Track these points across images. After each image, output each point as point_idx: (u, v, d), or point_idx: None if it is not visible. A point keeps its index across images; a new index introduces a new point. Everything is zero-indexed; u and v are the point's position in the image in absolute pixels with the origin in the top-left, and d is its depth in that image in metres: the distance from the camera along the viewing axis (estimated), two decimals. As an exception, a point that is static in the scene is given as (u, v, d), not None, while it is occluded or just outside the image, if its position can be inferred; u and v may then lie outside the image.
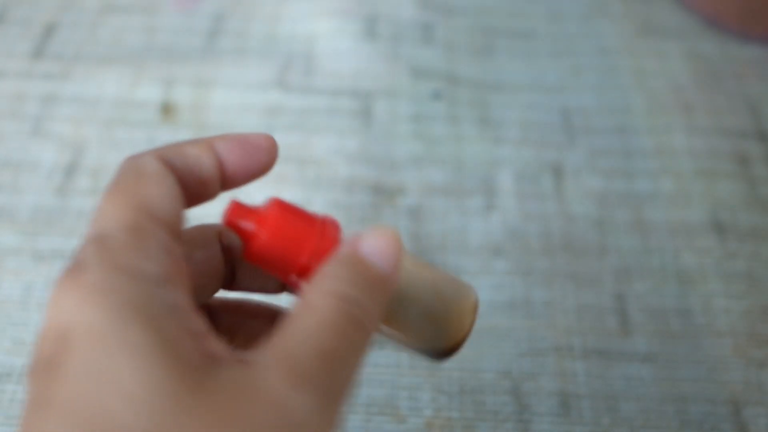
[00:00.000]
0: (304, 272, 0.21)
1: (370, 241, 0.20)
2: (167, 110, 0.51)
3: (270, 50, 0.55)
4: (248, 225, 0.21)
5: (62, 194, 0.46)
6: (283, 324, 0.18)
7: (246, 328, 0.24)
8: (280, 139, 0.53)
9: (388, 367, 0.39)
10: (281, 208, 0.22)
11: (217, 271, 0.23)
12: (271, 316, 0.25)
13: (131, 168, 0.19)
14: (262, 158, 0.22)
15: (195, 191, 0.20)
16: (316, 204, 0.46)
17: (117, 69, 0.53)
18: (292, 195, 0.46)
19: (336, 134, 0.50)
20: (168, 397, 0.14)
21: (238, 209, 0.21)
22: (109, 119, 0.50)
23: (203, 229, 0.23)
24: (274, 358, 0.16)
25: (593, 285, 0.43)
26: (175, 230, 0.18)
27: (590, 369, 0.39)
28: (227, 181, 0.22)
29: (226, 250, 0.24)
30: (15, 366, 0.39)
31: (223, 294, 0.25)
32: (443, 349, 0.23)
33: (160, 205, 0.18)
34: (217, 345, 0.17)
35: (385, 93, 0.52)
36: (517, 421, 0.37)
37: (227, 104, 0.51)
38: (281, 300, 0.26)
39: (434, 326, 0.23)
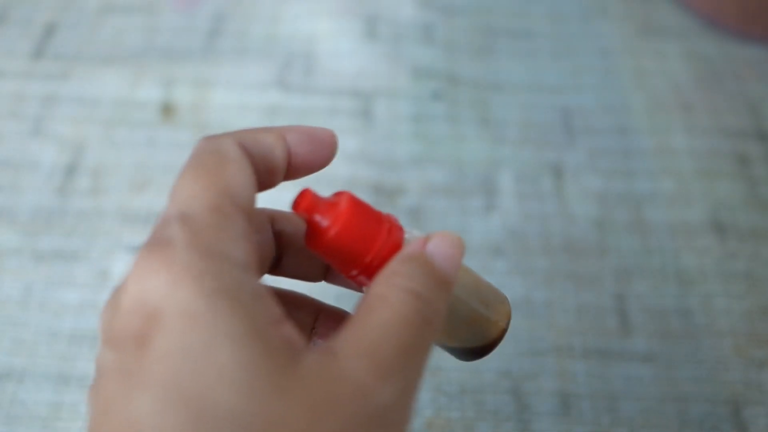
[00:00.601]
0: (369, 269, 0.21)
1: (436, 243, 0.20)
2: (167, 110, 0.51)
3: (270, 50, 0.55)
4: (320, 217, 0.21)
5: (62, 194, 0.46)
6: (357, 316, 0.18)
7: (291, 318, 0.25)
8: (280, 139, 0.53)
9: (388, 367, 0.39)
10: (354, 203, 0.22)
11: (268, 256, 0.23)
12: (315, 309, 0.26)
13: (214, 150, 0.19)
14: (325, 153, 0.22)
15: (264, 179, 0.21)
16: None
17: (117, 69, 0.53)
18: (292, 195, 0.46)
19: (336, 134, 0.50)
20: (264, 379, 0.15)
21: (311, 199, 0.21)
22: (109, 119, 0.50)
23: (257, 213, 0.23)
24: (357, 349, 0.17)
25: (593, 285, 0.43)
26: (252, 217, 0.18)
27: (590, 369, 0.39)
28: (291, 171, 0.22)
29: (277, 236, 0.24)
30: (15, 366, 0.39)
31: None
32: (477, 349, 0.24)
33: (242, 191, 0.18)
34: (293, 332, 0.17)
35: (385, 93, 0.52)
36: (517, 421, 0.37)
37: (227, 104, 0.51)
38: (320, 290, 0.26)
39: (475, 327, 0.23)
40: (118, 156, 0.48)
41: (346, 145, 0.49)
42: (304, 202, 0.21)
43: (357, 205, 0.22)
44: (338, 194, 0.23)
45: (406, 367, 0.18)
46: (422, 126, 0.51)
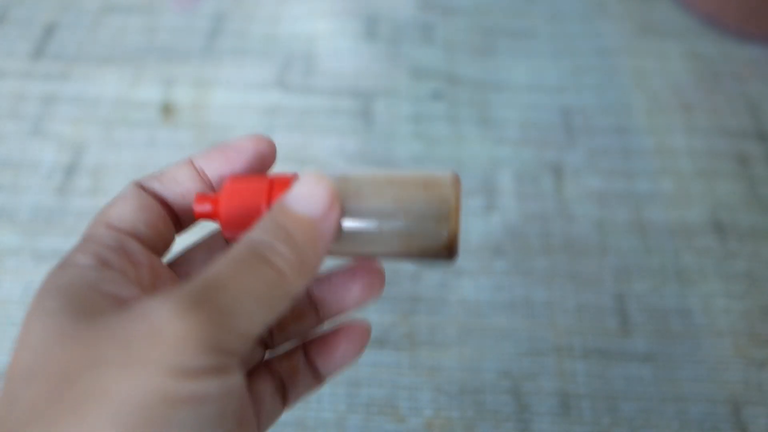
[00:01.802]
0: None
1: (293, 192, 0.21)
2: (167, 110, 0.51)
3: (270, 50, 0.55)
4: (207, 207, 0.23)
5: (62, 194, 0.46)
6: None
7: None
8: (280, 139, 0.54)
9: (388, 367, 0.39)
10: (231, 181, 0.23)
11: (160, 246, 0.25)
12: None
13: (116, 196, 0.23)
14: (247, 159, 0.24)
15: (183, 204, 0.24)
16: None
17: (117, 69, 0.53)
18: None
19: (336, 134, 0.50)
20: (57, 335, 0.18)
21: (199, 198, 0.24)
22: (109, 119, 0.50)
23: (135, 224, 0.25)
24: (167, 291, 0.19)
25: (593, 285, 0.43)
26: (137, 231, 0.22)
27: (590, 369, 0.39)
28: (222, 183, 0.24)
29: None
30: (15, 366, 0.39)
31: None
32: (444, 239, 0.22)
33: (119, 216, 0.22)
34: (152, 309, 0.19)
35: (385, 93, 0.52)
36: (517, 421, 0.37)
37: (227, 104, 0.51)
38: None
39: (419, 220, 0.22)
40: (118, 156, 0.48)
41: (345, 145, 0.49)
42: (195, 203, 0.24)
43: (234, 181, 0.23)
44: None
45: (201, 291, 0.18)
46: (422, 126, 0.51)
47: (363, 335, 0.26)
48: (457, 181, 0.23)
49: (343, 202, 0.22)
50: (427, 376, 0.39)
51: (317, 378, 0.26)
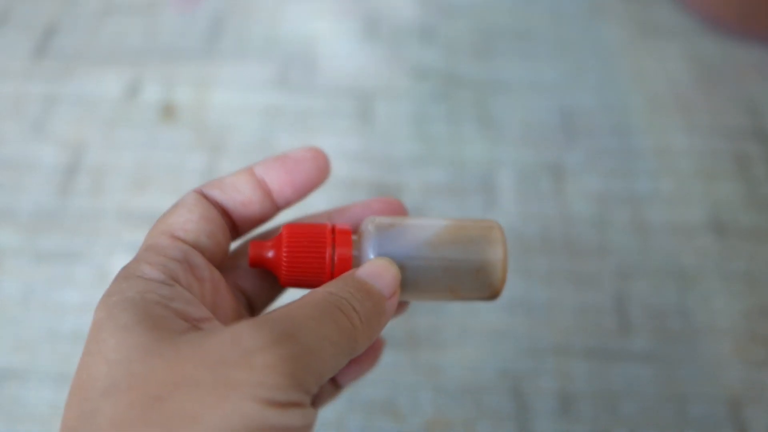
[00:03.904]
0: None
1: (366, 268, 0.23)
2: (168, 111, 0.51)
3: (270, 51, 0.55)
4: (269, 253, 0.24)
5: (62, 194, 0.46)
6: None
7: None
8: (280, 140, 0.54)
9: (388, 367, 0.39)
10: (289, 230, 0.24)
11: (219, 257, 0.26)
12: None
13: (174, 203, 0.24)
14: (306, 170, 0.25)
15: (243, 212, 0.24)
16: (316, 204, 0.46)
17: (117, 69, 0.53)
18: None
19: (336, 134, 0.50)
20: (138, 351, 0.18)
21: (255, 246, 0.24)
22: (110, 119, 0.50)
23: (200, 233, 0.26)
24: (250, 320, 0.19)
25: (593, 285, 0.43)
26: (200, 243, 0.23)
27: (590, 369, 0.39)
28: (280, 198, 0.25)
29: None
30: (15, 366, 0.39)
31: None
32: (493, 290, 0.24)
33: (183, 226, 0.22)
34: (213, 325, 0.20)
35: (385, 93, 0.52)
36: (517, 420, 0.37)
37: (228, 105, 0.51)
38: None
39: (475, 278, 0.24)
40: (118, 156, 0.48)
41: (346, 145, 0.49)
42: (251, 253, 0.24)
43: (293, 234, 0.24)
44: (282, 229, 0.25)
45: (290, 328, 0.19)
46: (422, 126, 0.51)
47: (377, 349, 0.27)
48: (501, 230, 0.25)
49: (402, 251, 0.24)
50: (427, 376, 0.39)
51: (336, 387, 0.27)
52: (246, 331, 0.18)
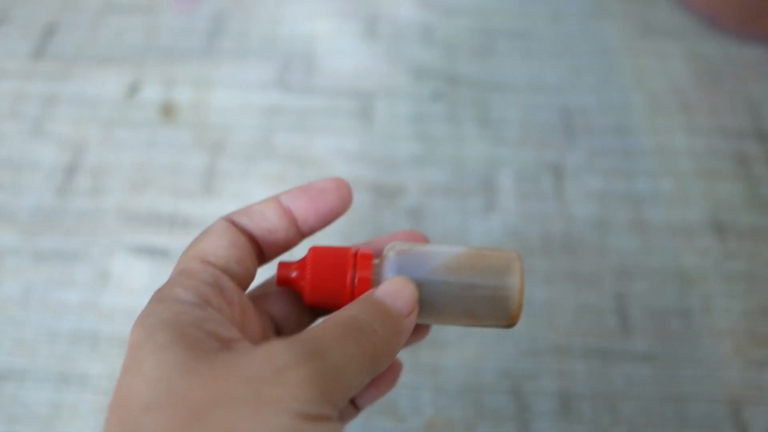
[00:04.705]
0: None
1: (385, 288, 0.23)
2: (167, 110, 0.51)
3: (270, 50, 0.55)
4: (294, 273, 0.25)
5: (62, 194, 0.46)
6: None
7: None
8: (280, 140, 0.53)
9: (388, 367, 0.39)
10: (314, 253, 0.25)
11: (244, 281, 0.27)
12: None
13: (206, 228, 0.25)
14: (330, 199, 0.26)
15: (269, 239, 0.26)
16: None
17: (117, 69, 0.53)
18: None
19: (336, 134, 0.50)
20: (177, 369, 0.19)
21: (283, 267, 0.26)
22: (109, 119, 0.50)
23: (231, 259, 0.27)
24: (281, 339, 0.20)
25: (593, 285, 0.43)
26: (229, 268, 0.24)
27: (590, 369, 0.39)
28: (304, 226, 0.26)
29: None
30: (15, 366, 0.39)
31: None
32: (510, 317, 0.25)
33: (214, 252, 0.24)
34: (243, 345, 0.21)
35: (385, 93, 0.52)
36: (517, 420, 0.37)
37: (227, 104, 0.51)
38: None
39: (491, 305, 0.25)
40: (118, 156, 0.48)
41: (345, 145, 0.49)
42: (278, 273, 0.26)
43: (318, 251, 0.25)
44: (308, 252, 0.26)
45: (318, 347, 0.20)
46: (422, 126, 0.51)
47: (395, 371, 0.28)
48: (520, 260, 0.25)
49: (423, 276, 0.25)
50: (427, 376, 0.39)
51: (355, 408, 0.28)
52: (278, 349, 0.19)
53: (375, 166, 0.48)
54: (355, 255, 0.25)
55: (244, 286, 0.25)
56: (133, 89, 0.52)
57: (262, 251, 0.26)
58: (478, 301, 0.24)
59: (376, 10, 0.58)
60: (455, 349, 0.40)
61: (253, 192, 0.46)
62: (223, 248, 0.24)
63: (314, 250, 0.25)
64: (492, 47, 0.56)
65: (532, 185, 0.47)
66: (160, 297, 0.22)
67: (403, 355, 0.39)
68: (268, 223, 0.25)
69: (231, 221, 0.25)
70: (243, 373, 0.18)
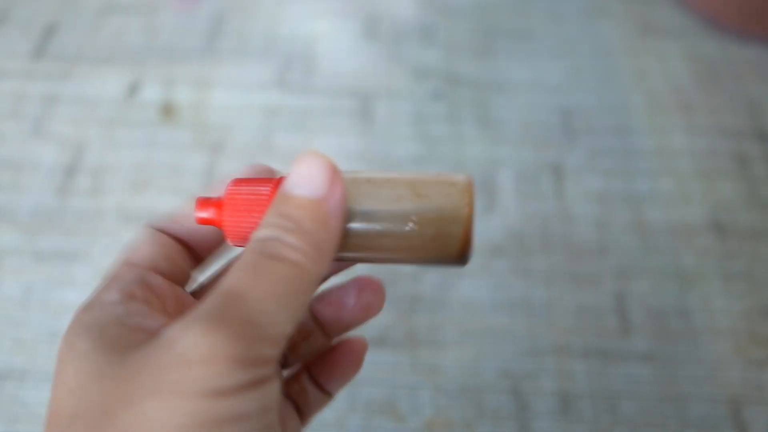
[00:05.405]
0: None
1: (291, 176, 0.20)
2: (167, 110, 0.51)
3: (270, 50, 0.55)
4: (210, 212, 0.23)
5: (62, 194, 0.46)
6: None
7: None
8: (280, 140, 0.53)
9: (388, 366, 0.39)
10: (234, 184, 0.22)
11: (179, 276, 0.25)
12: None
13: (131, 241, 0.24)
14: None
15: (196, 237, 0.24)
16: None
17: (117, 69, 0.53)
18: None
19: (336, 134, 0.50)
20: (93, 376, 0.18)
21: (201, 203, 0.23)
22: (109, 119, 0.50)
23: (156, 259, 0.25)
24: (187, 315, 0.19)
25: (593, 285, 0.43)
26: (157, 265, 0.23)
27: (590, 369, 0.39)
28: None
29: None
30: (15, 366, 0.39)
31: None
32: (457, 244, 0.21)
33: (137, 254, 0.23)
34: (141, 337, 0.20)
35: (385, 93, 0.52)
36: (517, 420, 0.37)
37: (227, 104, 0.51)
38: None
39: (431, 223, 0.21)
40: (118, 156, 0.48)
41: (345, 145, 0.49)
42: (197, 209, 0.23)
43: (237, 183, 0.22)
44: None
45: (222, 307, 0.18)
46: (422, 126, 0.51)
47: (359, 353, 0.26)
48: (470, 184, 0.22)
49: (352, 202, 0.21)
50: (427, 376, 0.39)
51: (326, 394, 0.26)
52: (177, 331, 0.18)
53: (375, 166, 0.48)
54: (278, 183, 0.22)
55: (182, 283, 0.24)
56: (133, 89, 0.52)
57: (192, 250, 0.25)
58: (421, 224, 0.21)
59: (376, 10, 0.58)
60: (455, 349, 0.40)
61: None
62: (146, 249, 0.23)
63: (232, 183, 0.22)
64: (492, 47, 0.56)
65: (532, 185, 0.47)
66: (84, 306, 0.21)
67: (403, 355, 0.39)
68: (191, 222, 0.24)
69: (152, 226, 0.24)
70: (149, 366, 0.18)
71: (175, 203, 0.46)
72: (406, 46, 0.56)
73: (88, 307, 0.21)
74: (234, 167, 0.48)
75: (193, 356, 0.17)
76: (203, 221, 0.23)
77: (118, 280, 0.22)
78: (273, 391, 0.18)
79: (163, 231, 0.24)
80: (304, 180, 0.20)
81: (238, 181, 0.23)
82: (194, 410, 0.17)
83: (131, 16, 0.57)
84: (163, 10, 0.58)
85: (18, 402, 0.38)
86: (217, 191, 0.23)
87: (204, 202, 0.23)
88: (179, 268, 0.24)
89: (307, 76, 0.53)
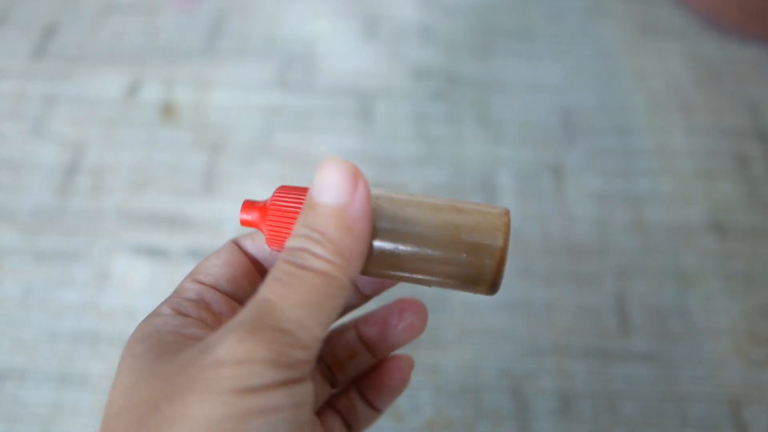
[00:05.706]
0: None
1: (315, 183, 0.21)
2: (167, 110, 0.51)
3: (270, 50, 0.55)
4: (253, 215, 0.23)
5: (62, 194, 0.46)
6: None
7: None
8: (280, 140, 0.54)
9: (388, 366, 0.39)
10: (280, 191, 0.23)
11: (240, 293, 0.27)
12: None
13: (215, 251, 0.26)
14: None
15: (273, 261, 0.26)
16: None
17: (117, 69, 0.53)
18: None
19: (336, 134, 0.50)
20: (143, 375, 0.20)
21: (246, 206, 0.24)
22: (109, 119, 0.50)
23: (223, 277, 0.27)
24: (227, 324, 0.20)
25: (593, 285, 0.43)
26: (219, 285, 0.24)
27: (590, 369, 0.39)
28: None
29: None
30: (15, 366, 0.39)
31: None
32: (486, 273, 0.22)
33: (206, 271, 0.25)
34: (216, 341, 0.20)
35: (385, 93, 0.52)
36: (517, 420, 0.37)
37: (227, 104, 0.51)
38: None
39: (462, 250, 0.22)
40: (118, 156, 0.48)
41: (346, 145, 0.49)
42: (242, 211, 0.24)
43: (283, 191, 0.23)
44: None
45: (255, 316, 0.19)
46: (422, 126, 0.51)
47: (405, 370, 0.28)
48: (507, 215, 0.22)
49: (390, 222, 0.22)
50: (427, 376, 0.39)
51: (374, 410, 0.28)
52: (216, 337, 0.19)
53: (375, 166, 0.48)
54: None
55: (242, 301, 0.25)
56: (133, 89, 0.52)
57: (266, 271, 0.26)
58: (454, 252, 0.22)
59: (376, 10, 0.58)
60: (455, 349, 0.40)
61: (253, 192, 0.46)
62: (216, 267, 0.25)
63: (279, 190, 0.23)
64: (492, 47, 0.56)
65: (532, 185, 0.47)
66: (148, 316, 0.23)
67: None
68: (266, 245, 0.25)
69: (236, 242, 0.26)
70: (193, 365, 0.19)
71: (175, 204, 0.46)
72: (406, 46, 0.56)
73: (149, 317, 0.23)
74: (234, 167, 0.48)
75: (229, 359, 0.19)
76: (246, 223, 0.24)
77: (178, 295, 0.24)
78: (305, 390, 0.19)
79: (243, 249, 0.26)
80: (327, 188, 0.21)
81: (285, 188, 0.23)
82: (225, 403, 0.18)
83: (131, 16, 0.57)
84: (163, 10, 0.58)
85: (18, 402, 0.38)
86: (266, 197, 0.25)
87: (249, 205, 0.24)
88: (242, 290, 0.25)
89: (307, 76, 0.53)
